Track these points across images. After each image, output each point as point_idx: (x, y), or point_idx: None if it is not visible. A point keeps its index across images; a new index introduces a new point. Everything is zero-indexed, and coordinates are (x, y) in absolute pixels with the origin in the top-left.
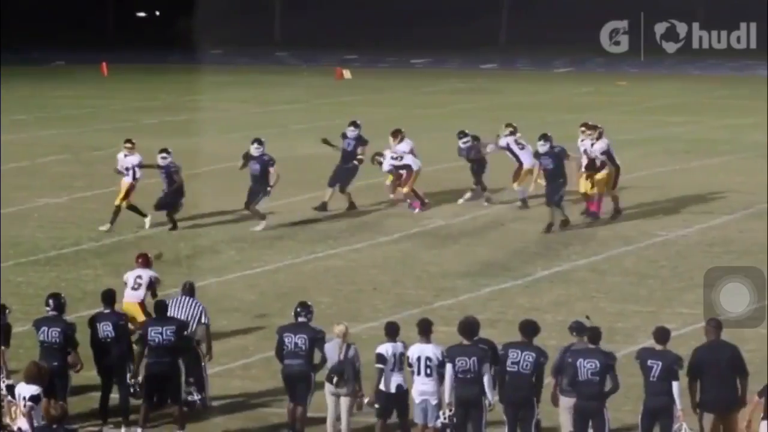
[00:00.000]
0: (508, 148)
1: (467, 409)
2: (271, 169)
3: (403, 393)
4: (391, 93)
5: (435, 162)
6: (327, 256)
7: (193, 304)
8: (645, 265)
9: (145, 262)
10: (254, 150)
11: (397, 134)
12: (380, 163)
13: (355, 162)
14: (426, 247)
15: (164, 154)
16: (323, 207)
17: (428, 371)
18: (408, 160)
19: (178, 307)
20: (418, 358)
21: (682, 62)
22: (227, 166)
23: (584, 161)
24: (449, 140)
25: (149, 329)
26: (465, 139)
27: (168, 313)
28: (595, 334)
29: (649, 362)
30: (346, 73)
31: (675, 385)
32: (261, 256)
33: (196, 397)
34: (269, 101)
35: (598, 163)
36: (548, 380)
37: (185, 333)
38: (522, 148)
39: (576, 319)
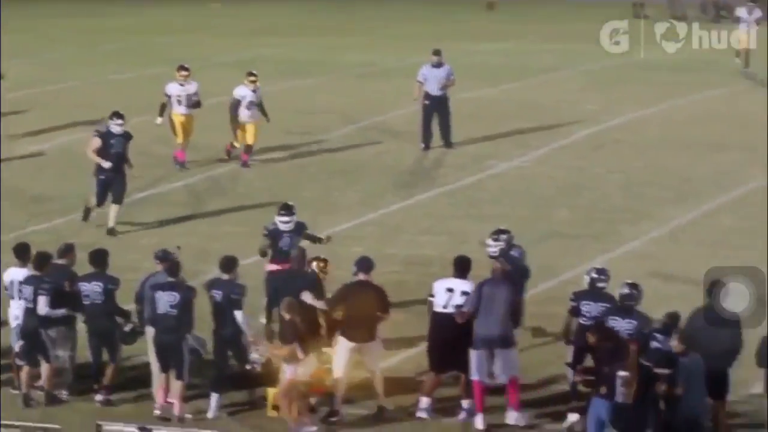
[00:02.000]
0: None
1: None
2: None
3: None
4: None
5: None
6: None
7: None
8: (243, 186)
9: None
10: None
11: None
12: None
13: None
14: None
15: None
16: None
17: None
18: None
19: None
20: None
21: None
22: None
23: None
24: None
25: None
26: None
27: None
28: (173, 266)
29: (213, 292)
30: None
31: (238, 314)
32: None
33: None
34: None
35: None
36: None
37: None
38: None
39: (162, 248)
